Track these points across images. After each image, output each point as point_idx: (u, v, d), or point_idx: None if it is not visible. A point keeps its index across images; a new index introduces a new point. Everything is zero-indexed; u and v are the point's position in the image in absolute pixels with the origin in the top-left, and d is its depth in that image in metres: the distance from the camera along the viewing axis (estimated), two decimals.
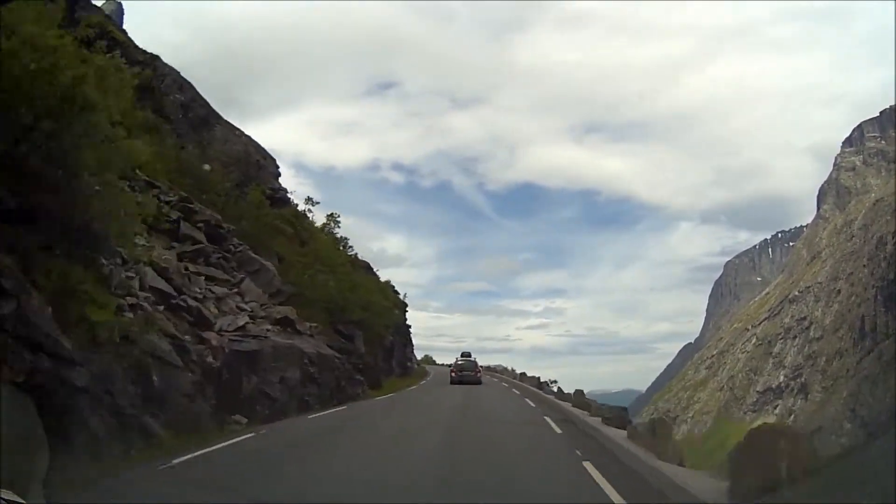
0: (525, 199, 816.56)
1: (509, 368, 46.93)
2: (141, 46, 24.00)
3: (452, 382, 33.20)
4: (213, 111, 28.06)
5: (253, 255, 19.68)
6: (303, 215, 32.30)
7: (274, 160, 31.91)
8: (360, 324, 27.28)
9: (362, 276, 36.06)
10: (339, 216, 36.13)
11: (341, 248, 35.10)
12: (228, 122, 29.11)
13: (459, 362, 36.38)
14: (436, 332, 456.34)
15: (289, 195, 31.52)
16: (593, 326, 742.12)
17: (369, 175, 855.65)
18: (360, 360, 24.97)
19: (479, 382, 33.29)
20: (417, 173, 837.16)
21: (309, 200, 32.89)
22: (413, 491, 6.78)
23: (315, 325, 20.43)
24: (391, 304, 40.07)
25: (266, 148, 31.81)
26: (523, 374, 35.80)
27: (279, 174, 32.16)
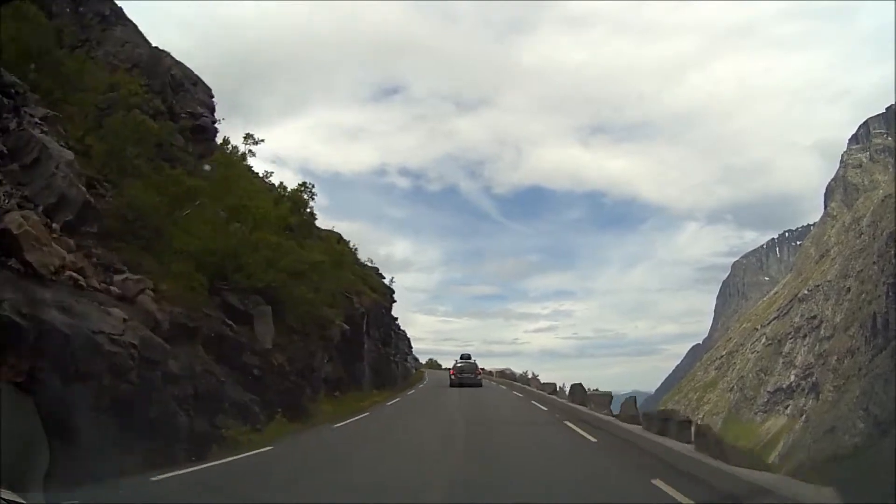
0: (531, 202, 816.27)
1: (530, 375, 35.96)
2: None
3: (452, 385, 33.40)
4: (120, 12, 22.09)
5: (42, 134, 11.24)
6: (239, 159, 22.67)
7: (208, 90, 23.96)
8: (270, 295, 16.44)
9: (321, 246, 26.59)
10: (312, 186, 28.02)
11: (285, 198, 24.50)
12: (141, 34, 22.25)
13: (459, 364, 36.47)
14: (443, 336, 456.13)
15: (216, 124, 22.82)
16: (601, 328, 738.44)
17: (376, 180, 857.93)
18: (259, 363, 14.36)
19: (479, 385, 33.86)
20: (424, 177, 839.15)
21: (249, 138, 23.20)
22: None
23: (139, 277, 11.27)
24: (348, 268, 30.27)
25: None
26: (578, 386, 19.99)
27: (213, 107, 23.81)
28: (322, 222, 31.62)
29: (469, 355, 38.83)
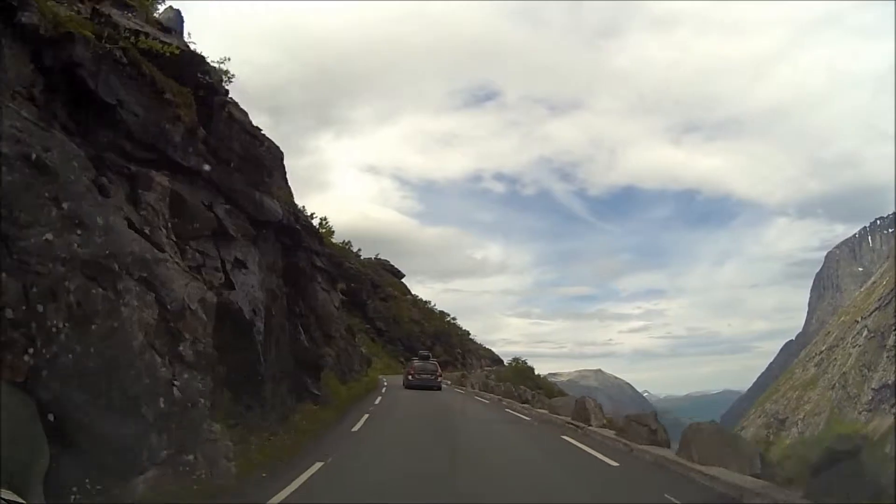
0: (623, 202, 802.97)
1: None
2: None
3: (409, 386, 30.80)
4: None
5: None
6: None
7: None
8: None
9: None
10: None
11: None
12: None
13: (418, 364, 33.61)
14: (537, 339, 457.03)
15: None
16: (693, 327, 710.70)
17: (471, 186, 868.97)
18: None
19: (438, 388, 31.39)
20: (519, 182, 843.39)
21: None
22: None
23: None
24: None
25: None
26: None
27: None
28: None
29: (429, 355, 37.06)
